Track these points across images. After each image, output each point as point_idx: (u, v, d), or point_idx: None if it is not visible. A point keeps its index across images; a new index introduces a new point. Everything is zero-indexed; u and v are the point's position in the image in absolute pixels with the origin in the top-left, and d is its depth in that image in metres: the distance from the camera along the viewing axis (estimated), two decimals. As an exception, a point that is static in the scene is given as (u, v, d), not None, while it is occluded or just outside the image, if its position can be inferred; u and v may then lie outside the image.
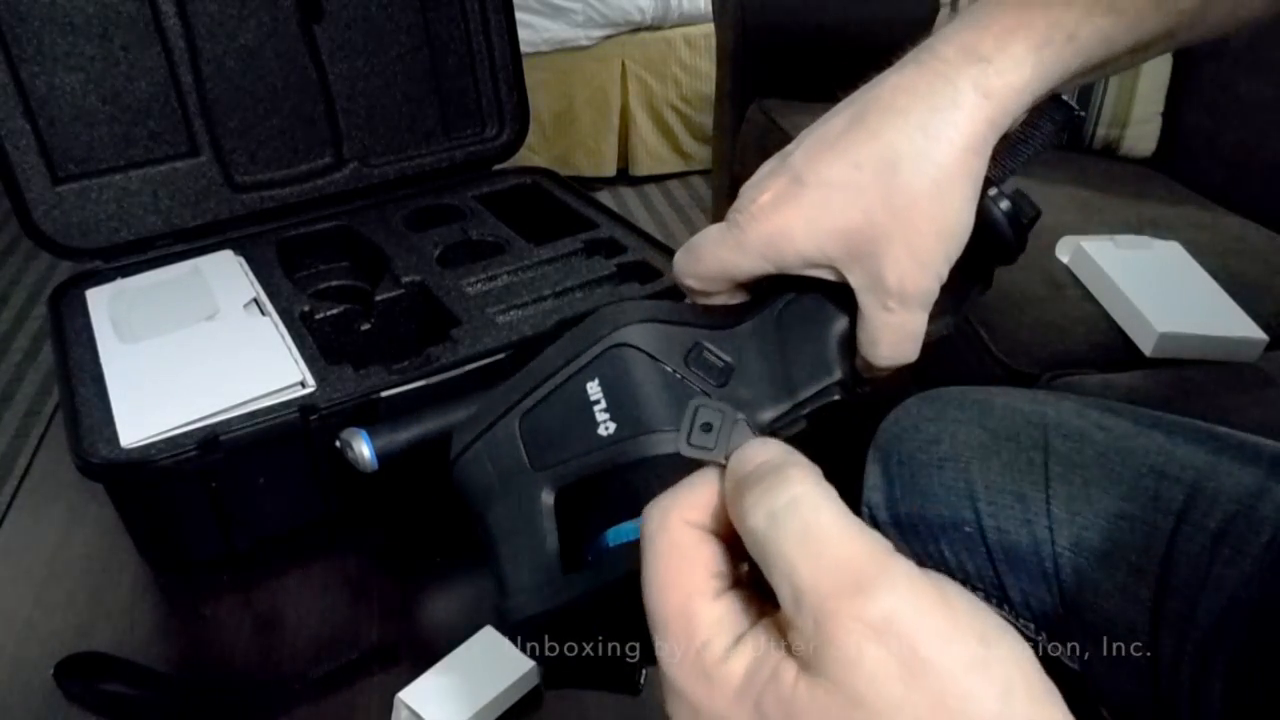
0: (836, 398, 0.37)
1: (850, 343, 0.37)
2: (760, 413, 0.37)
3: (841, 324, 0.37)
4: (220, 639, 0.58)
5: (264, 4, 0.80)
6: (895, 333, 0.35)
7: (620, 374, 0.36)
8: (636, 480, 0.35)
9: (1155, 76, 1.47)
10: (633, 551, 0.33)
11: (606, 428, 0.35)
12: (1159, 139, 1.51)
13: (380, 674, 0.55)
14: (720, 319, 0.38)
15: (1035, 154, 0.36)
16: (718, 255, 0.37)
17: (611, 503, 0.35)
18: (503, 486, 0.37)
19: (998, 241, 0.36)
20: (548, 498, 0.36)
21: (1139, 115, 1.49)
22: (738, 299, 0.39)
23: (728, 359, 0.37)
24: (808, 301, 0.38)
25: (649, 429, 0.35)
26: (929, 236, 0.34)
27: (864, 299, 0.35)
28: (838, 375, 0.37)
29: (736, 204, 0.37)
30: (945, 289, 0.36)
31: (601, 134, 2.53)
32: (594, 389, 0.36)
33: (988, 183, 0.35)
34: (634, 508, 0.33)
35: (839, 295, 0.37)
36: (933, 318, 0.36)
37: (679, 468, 0.34)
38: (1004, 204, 0.36)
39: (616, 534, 0.34)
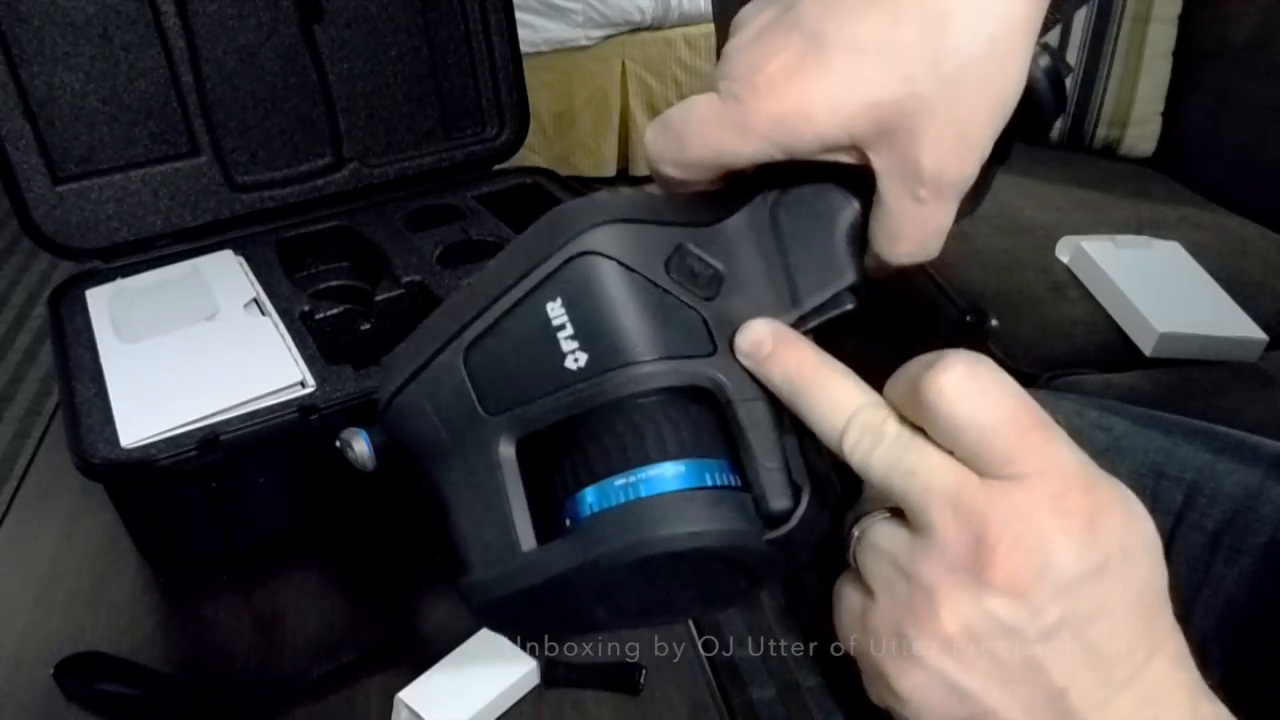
0: (850, 307, 0.31)
1: (861, 237, 0.31)
2: None
3: (850, 214, 0.31)
4: (220, 639, 0.58)
5: (264, 4, 0.80)
6: (921, 226, 0.29)
7: (588, 290, 0.29)
8: (619, 423, 0.29)
9: (1155, 76, 1.47)
10: (625, 519, 0.28)
11: (575, 359, 0.29)
12: (1159, 139, 1.51)
13: (380, 674, 0.55)
14: (701, 212, 0.31)
15: (1072, 5, 0.30)
16: (711, 138, 0.30)
17: (589, 453, 0.29)
18: (451, 437, 0.31)
19: (1035, 108, 0.30)
20: (507, 449, 0.30)
21: (1139, 115, 1.49)
22: (717, 185, 0.32)
23: (716, 264, 0.30)
24: (808, 188, 0.31)
25: (629, 359, 0.29)
26: (979, 109, 0.27)
27: (888, 185, 0.29)
28: (850, 278, 0.31)
29: (731, 69, 0.29)
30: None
31: (601, 134, 2.52)
32: (556, 310, 0.29)
33: None
34: (618, 458, 0.29)
35: (846, 177, 0.30)
36: None
37: (669, 406, 0.29)
38: (1044, 61, 0.29)
39: (601, 494, 0.29)
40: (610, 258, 0.29)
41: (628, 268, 0.29)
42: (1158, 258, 1.16)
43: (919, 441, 0.27)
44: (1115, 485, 0.27)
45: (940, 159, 0.28)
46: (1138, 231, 1.22)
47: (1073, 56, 1.47)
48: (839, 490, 0.32)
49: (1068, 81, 0.30)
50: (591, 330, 0.29)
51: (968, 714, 0.26)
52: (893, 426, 0.28)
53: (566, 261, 0.29)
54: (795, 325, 0.31)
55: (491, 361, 0.30)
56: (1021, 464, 0.25)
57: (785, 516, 0.30)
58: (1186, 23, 1.46)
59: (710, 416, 0.30)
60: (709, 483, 0.29)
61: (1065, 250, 1.19)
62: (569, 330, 0.29)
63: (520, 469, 0.30)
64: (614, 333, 0.29)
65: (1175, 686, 0.27)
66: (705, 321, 0.30)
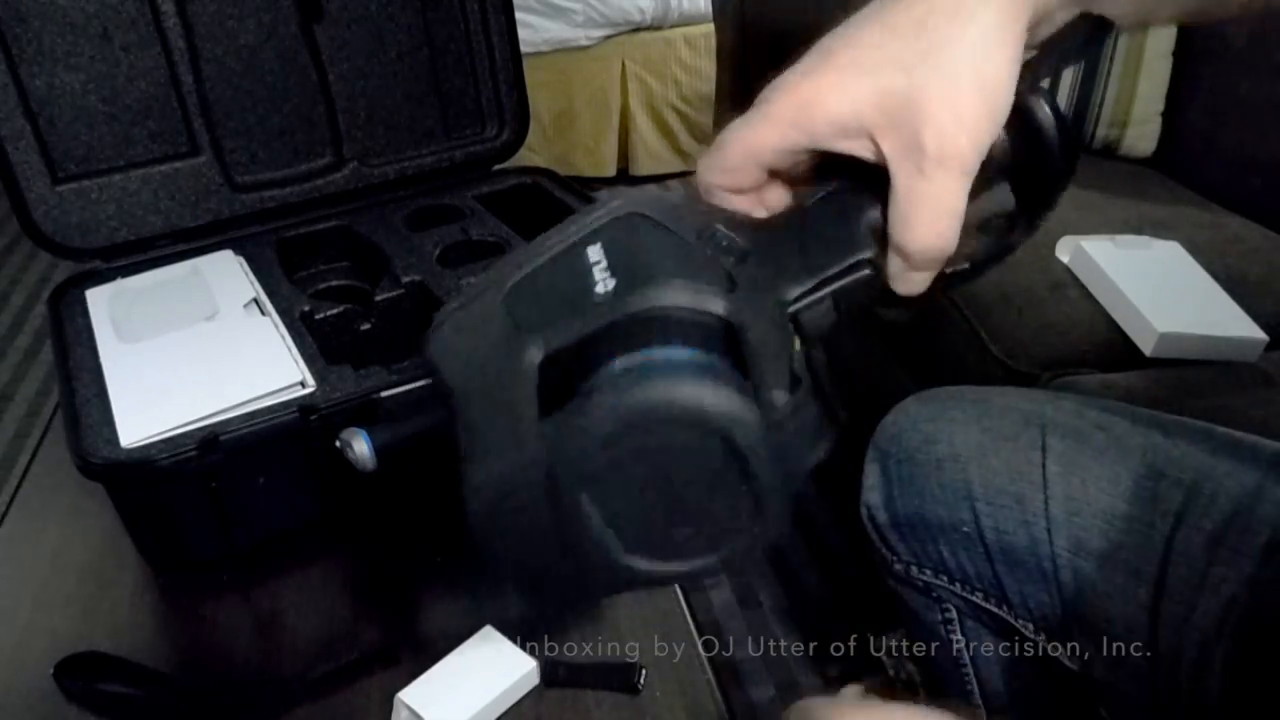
0: (867, 272, 0.34)
1: (883, 233, 0.35)
2: (782, 290, 0.34)
3: (874, 212, 0.35)
4: (220, 639, 0.58)
5: (264, 4, 0.80)
6: (931, 205, 0.33)
7: (627, 235, 0.33)
8: (638, 328, 0.31)
9: (1155, 76, 1.47)
10: (632, 380, 0.30)
11: (605, 285, 0.32)
12: (1159, 139, 1.51)
13: (380, 674, 0.55)
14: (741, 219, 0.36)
15: (1066, 59, 0.36)
16: (743, 136, 0.35)
17: (605, 353, 0.31)
18: (484, 355, 0.33)
19: (1042, 146, 0.34)
20: (534, 356, 0.32)
21: (1139, 115, 1.49)
22: (760, 213, 0.37)
23: (743, 243, 0.34)
24: (838, 193, 0.36)
25: (653, 276, 0.31)
26: (970, 92, 0.32)
27: (898, 167, 0.33)
28: (867, 252, 0.34)
29: (761, 95, 0.36)
30: (986, 205, 0.35)
31: (601, 134, 2.52)
32: (595, 252, 0.33)
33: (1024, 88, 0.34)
34: (633, 345, 0.31)
35: (873, 183, 0.34)
36: (971, 235, 0.34)
37: (687, 323, 0.31)
38: (1045, 108, 0.34)
39: (612, 368, 0.30)
40: (650, 217, 0.34)
41: (665, 226, 0.33)
42: (1158, 258, 1.15)
43: None
44: None
45: (940, 135, 0.32)
46: (1138, 231, 1.22)
47: (1073, 56, 1.47)
48: (841, 418, 0.33)
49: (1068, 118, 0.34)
50: (624, 262, 0.32)
51: None
52: None
53: (612, 219, 0.33)
54: (815, 287, 0.34)
55: (528, 295, 0.33)
56: None
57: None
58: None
59: (724, 344, 0.32)
60: (718, 369, 0.31)
61: (1065, 250, 1.19)
62: (604, 264, 0.32)
63: (540, 382, 0.32)
64: (644, 261, 0.32)
65: None
66: (729, 275, 0.33)
